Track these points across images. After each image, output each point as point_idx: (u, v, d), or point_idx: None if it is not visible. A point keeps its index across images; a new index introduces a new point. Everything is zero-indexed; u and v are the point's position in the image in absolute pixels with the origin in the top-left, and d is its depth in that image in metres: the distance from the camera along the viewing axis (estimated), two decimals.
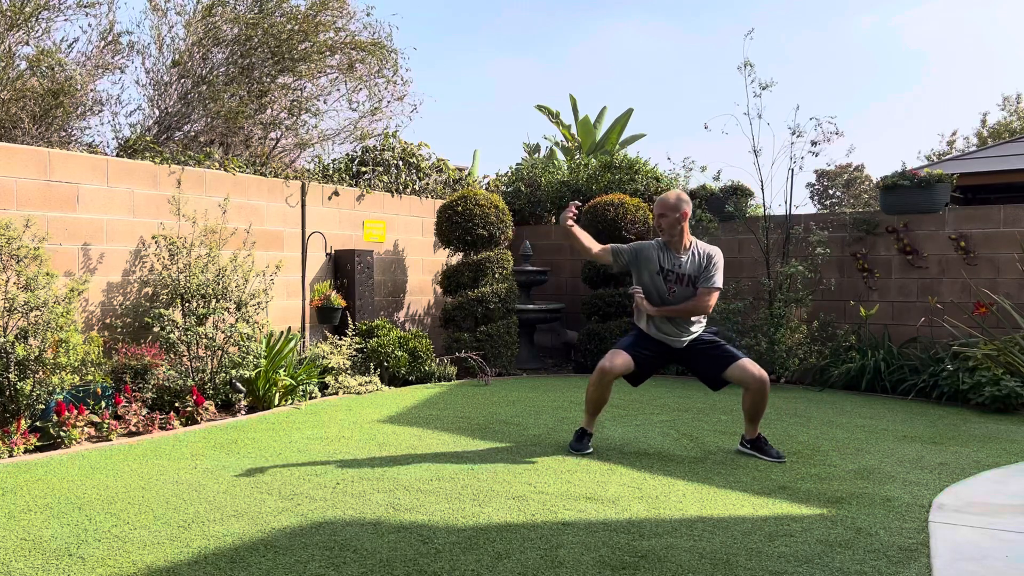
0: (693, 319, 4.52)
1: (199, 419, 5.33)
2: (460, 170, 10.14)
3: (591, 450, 4.58)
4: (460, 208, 7.96)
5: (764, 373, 4.39)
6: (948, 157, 13.11)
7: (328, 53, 8.23)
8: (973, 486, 3.88)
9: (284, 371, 6.02)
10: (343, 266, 7.52)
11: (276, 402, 5.93)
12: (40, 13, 6.66)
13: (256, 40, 7.79)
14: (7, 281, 4.76)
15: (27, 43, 6.71)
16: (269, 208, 7.02)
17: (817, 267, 7.30)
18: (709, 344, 4.57)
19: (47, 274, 4.84)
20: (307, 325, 7.35)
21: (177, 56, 7.72)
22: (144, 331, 5.93)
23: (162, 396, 5.48)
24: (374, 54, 8.42)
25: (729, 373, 4.43)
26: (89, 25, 8.43)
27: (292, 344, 6.21)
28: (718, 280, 4.47)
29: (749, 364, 4.40)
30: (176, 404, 5.41)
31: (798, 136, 7.40)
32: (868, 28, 53.05)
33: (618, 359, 4.44)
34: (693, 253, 4.52)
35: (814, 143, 7.35)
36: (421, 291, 8.76)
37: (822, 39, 55.05)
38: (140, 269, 6.03)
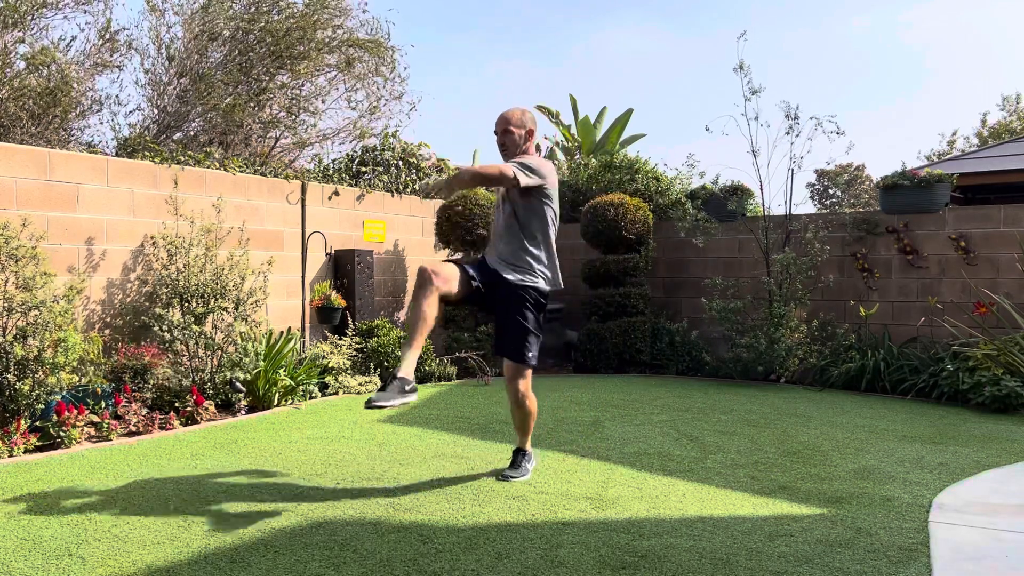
0: (523, 253, 3.71)
1: (199, 419, 5.32)
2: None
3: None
4: (460, 208, 7.95)
5: (519, 387, 3.74)
6: (948, 157, 13.11)
7: (326, 51, 8.23)
8: (973, 486, 3.88)
9: (284, 371, 6.02)
10: (343, 266, 7.52)
11: (276, 402, 5.92)
12: (38, 11, 6.66)
13: (253, 38, 7.79)
14: (6, 281, 4.76)
15: (24, 41, 6.71)
16: (269, 208, 7.01)
17: (816, 263, 7.28)
18: (516, 303, 3.71)
19: (44, 274, 4.84)
20: (307, 325, 7.34)
21: (173, 52, 7.72)
22: (144, 330, 5.92)
23: (162, 396, 5.48)
24: (371, 51, 8.41)
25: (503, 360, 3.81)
26: (87, 23, 8.43)
27: (292, 344, 6.20)
28: (519, 165, 3.59)
29: (510, 369, 3.75)
30: (176, 404, 5.41)
31: (797, 135, 7.41)
32: (867, 28, 53.08)
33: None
34: None
35: (795, 118, 7.39)
36: None
37: (820, 38, 55.08)
38: (140, 269, 6.03)
